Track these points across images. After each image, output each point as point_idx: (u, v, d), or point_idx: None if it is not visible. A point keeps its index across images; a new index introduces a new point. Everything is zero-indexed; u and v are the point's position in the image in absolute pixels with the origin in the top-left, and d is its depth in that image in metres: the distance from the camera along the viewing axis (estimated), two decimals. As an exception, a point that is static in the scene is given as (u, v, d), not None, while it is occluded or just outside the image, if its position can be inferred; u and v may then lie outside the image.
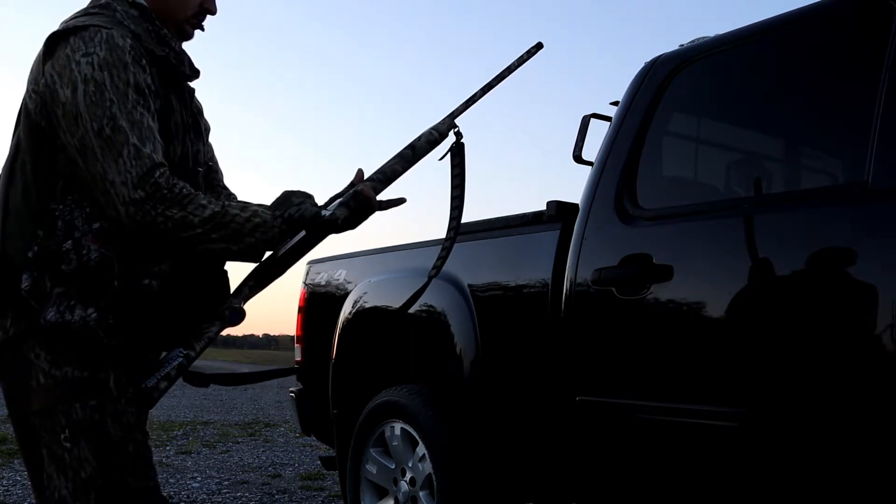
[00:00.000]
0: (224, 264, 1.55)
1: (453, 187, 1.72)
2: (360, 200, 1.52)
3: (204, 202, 1.39)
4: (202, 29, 1.62)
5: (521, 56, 1.79)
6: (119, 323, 1.40)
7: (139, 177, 1.33)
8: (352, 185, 1.60)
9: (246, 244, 1.44)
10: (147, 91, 1.41)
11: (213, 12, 1.61)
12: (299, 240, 1.52)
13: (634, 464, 2.06)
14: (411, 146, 1.65)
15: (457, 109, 1.70)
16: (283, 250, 1.53)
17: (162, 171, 1.36)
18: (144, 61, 1.43)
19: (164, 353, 1.47)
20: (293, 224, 1.49)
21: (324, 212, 1.51)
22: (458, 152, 1.71)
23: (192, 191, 1.40)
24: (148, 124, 1.38)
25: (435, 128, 1.67)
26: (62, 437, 1.38)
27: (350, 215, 1.53)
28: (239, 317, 1.51)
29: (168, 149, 1.46)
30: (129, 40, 1.41)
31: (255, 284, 1.55)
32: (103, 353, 1.40)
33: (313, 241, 1.54)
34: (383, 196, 1.59)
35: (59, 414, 1.38)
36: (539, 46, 1.82)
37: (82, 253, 1.38)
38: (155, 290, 1.43)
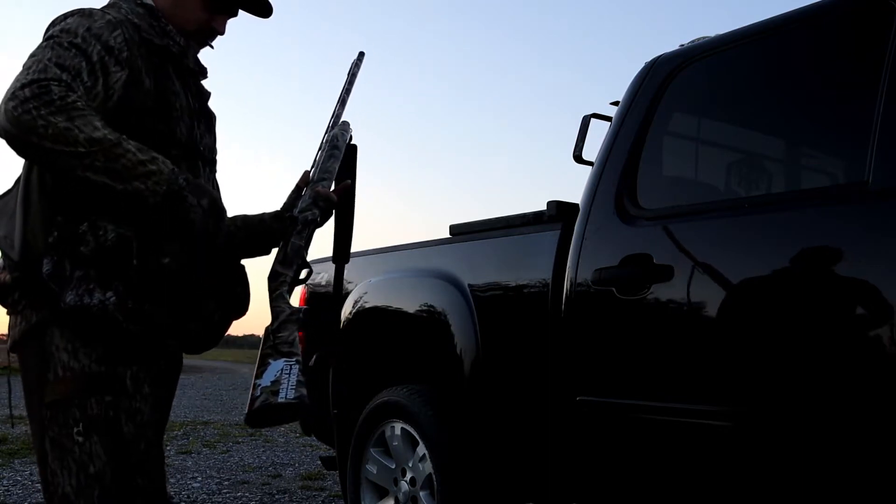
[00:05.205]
0: (239, 258, 1.63)
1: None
2: (324, 198, 1.65)
3: (98, 124, 1.30)
4: (211, 47, 1.64)
5: (351, 70, 1.82)
6: (138, 306, 1.40)
7: (31, 78, 1.30)
8: (298, 187, 1.70)
9: (133, 188, 1.33)
10: (101, 46, 1.41)
11: (221, 32, 1.63)
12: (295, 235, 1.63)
13: (634, 464, 2.06)
14: (335, 146, 1.71)
15: (335, 113, 1.77)
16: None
17: (61, 83, 1.31)
18: (120, 31, 1.44)
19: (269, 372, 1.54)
20: (248, 226, 1.66)
21: (305, 214, 1.63)
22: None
23: (89, 109, 1.31)
24: (79, 66, 1.36)
25: (340, 135, 1.73)
26: (75, 430, 1.38)
27: (322, 215, 1.65)
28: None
29: (175, 130, 1.50)
30: (110, 17, 1.45)
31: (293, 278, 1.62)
32: (122, 339, 1.40)
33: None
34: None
35: (73, 407, 1.38)
36: (361, 55, 1.85)
37: (99, 234, 1.38)
38: (174, 269, 1.43)
